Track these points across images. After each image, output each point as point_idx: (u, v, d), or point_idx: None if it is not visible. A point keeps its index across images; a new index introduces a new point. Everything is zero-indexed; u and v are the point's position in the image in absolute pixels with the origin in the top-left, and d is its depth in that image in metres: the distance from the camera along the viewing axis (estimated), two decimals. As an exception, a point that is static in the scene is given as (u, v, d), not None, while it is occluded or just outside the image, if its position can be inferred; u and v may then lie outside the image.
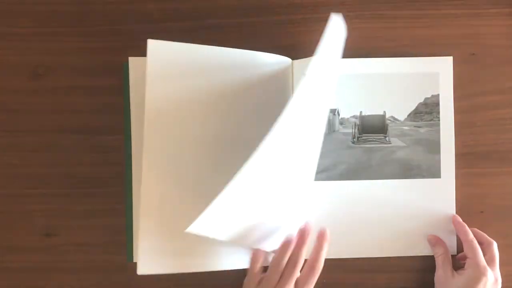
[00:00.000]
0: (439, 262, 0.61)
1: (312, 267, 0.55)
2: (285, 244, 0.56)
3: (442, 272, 0.60)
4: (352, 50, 0.63)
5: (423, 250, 0.63)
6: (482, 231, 0.62)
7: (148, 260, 0.57)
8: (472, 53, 0.64)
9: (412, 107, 0.63)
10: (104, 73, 0.63)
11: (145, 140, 0.56)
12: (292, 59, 0.62)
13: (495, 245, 0.60)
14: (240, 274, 0.61)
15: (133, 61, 0.61)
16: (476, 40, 0.64)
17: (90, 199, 0.63)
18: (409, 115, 0.63)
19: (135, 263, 0.60)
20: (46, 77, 0.63)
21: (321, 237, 0.57)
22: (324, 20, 0.64)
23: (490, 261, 0.59)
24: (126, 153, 0.62)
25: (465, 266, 0.59)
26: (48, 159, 0.63)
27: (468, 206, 0.63)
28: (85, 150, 0.63)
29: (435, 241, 0.62)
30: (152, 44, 0.56)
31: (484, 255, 0.59)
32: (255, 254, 0.58)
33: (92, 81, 0.63)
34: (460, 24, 0.64)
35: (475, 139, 0.64)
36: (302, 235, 0.56)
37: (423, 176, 0.63)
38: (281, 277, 0.55)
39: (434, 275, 0.62)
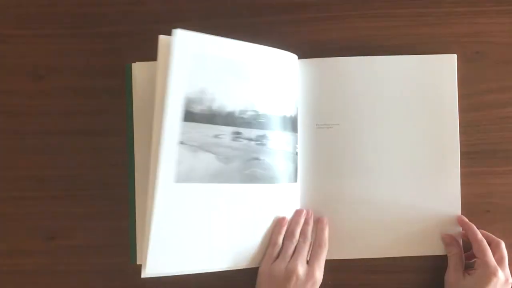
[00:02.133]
0: (452, 261, 0.61)
1: (320, 245, 0.59)
2: (297, 214, 0.61)
3: (453, 272, 0.60)
4: (355, 49, 0.63)
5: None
6: (488, 230, 0.62)
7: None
8: (476, 51, 0.64)
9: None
10: (105, 74, 0.63)
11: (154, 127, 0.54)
12: (298, 58, 0.62)
13: (503, 245, 0.60)
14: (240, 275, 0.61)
15: (136, 66, 0.61)
16: (480, 38, 0.64)
17: (92, 201, 0.62)
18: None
19: (139, 265, 0.60)
20: (47, 79, 0.63)
21: (320, 221, 0.61)
22: (329, 19, 0.64)
23: (499, 261, 0.59)
24: (129, 154, 0.61)
25: (475, 266, 0.59)
26: (50, 161, 0.62)
27: (474, 206, 0.63)
28: (88, 152, 0.63)
29: (449, 240, 0.61)
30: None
31: (493, 255, 0.59)
32: (278, 225, 0.60)
33: (93, 83, 0.63)
34: (464, 22, 0.64)
35: (480, 138, 0.64)
36: (307, 214, 0.61)
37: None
38: (295, 250, 0.59)
39: (440, 275, 0.62)
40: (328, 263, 0.60)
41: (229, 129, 0.56)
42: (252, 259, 0.60)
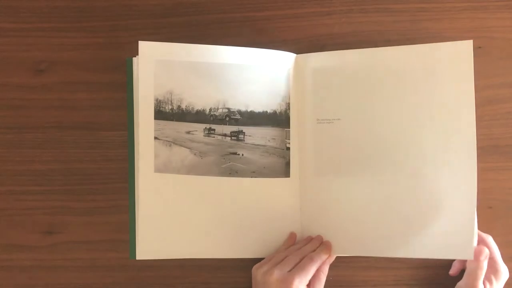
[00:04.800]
0: (473, 272, 0.58)
1: (310, 258, 0.57)
2: (306, 239, 0.61)
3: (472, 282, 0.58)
4: (355, 44, 0.63)
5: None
6: (491, 227, 0.61)
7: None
8: (479, 46, 0.64)
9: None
10: (106, 68, 0.63)
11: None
12: (296, 53, 0.62)
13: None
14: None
15: (138, 58, 0.61)
16: (482, 33, 0.64)
17: (92, 196, 0.62)
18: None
19: (138, 261, 0.60)
20: (48, 73, 0.63)
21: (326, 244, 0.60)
22: (327, 14, 0.64)
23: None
24: (129, 148, 0.61)
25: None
26: (50, 156, 0.62)
27: (476, 202, 0.62)
28: (88, 146, 0.63)
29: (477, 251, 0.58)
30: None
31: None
32: (287, 240, 0.61)
33: (94, 77, 0.63)
34: (466, 17, 0.64)
35: (482, 134, 0.63)
36: (317, 240, 0.60)
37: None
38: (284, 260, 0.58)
39: (438, 272, 0.61)
40: (329, 258, 0.60)
41: (201, 126, 0.60)
42: (239, 251, 0.60)
